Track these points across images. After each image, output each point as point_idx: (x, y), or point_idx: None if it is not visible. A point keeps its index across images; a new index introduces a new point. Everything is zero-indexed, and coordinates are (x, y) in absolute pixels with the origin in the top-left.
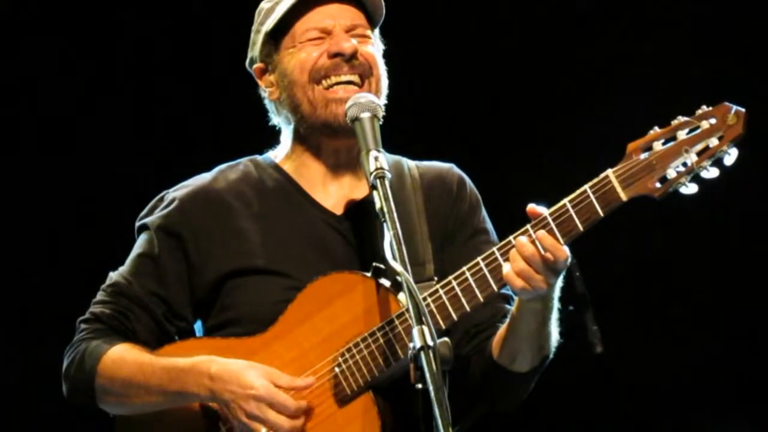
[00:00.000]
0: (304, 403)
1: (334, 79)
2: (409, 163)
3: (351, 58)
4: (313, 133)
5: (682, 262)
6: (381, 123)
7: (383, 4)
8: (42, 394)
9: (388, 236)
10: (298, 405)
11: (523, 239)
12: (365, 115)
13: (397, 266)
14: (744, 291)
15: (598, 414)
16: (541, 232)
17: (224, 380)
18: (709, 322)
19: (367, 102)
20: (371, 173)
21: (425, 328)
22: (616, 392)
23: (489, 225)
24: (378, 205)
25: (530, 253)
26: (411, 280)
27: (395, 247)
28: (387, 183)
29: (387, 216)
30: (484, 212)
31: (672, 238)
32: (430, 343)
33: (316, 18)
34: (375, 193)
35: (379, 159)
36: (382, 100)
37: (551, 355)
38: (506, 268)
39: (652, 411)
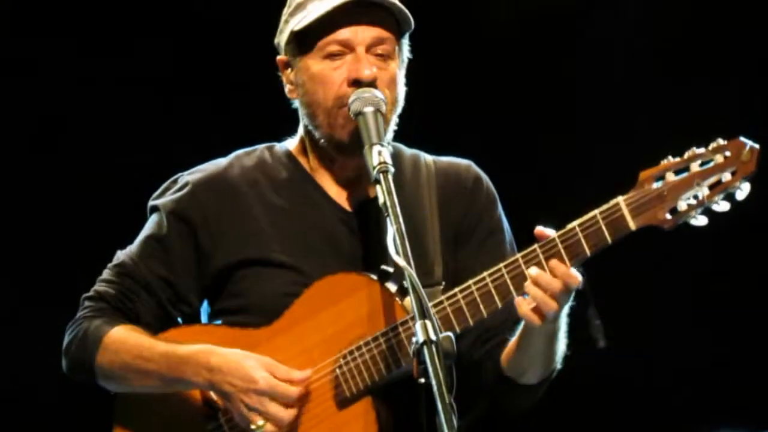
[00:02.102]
0: (303, 391)
1: None
2: (427, 158)
3: (368, 86)
4: (328, 147)
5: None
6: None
7: (410, 17)
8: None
9: (391, 231)
10: (298, 394)
11: (535, 271)
12: (368, 110)
13: (400, 261)
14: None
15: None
16: (554, 262)
17: (224, 372)
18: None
19: (370, 96)
20: (374, 167)
21: (428, 323)
22: (615, 391)
23: (505, 224)
24: (381, 200)
25: (546, 281)
26: (414, 274)
27: (398, 241)
28: (390, 177)
29: (390, 210)
30: (500, 211)
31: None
32: (433, 337)
33: (341, 30)
34: (378, 187)
35: (382, 153)
36: (393, 121)
37: (559, 367)
38: (524, 307)
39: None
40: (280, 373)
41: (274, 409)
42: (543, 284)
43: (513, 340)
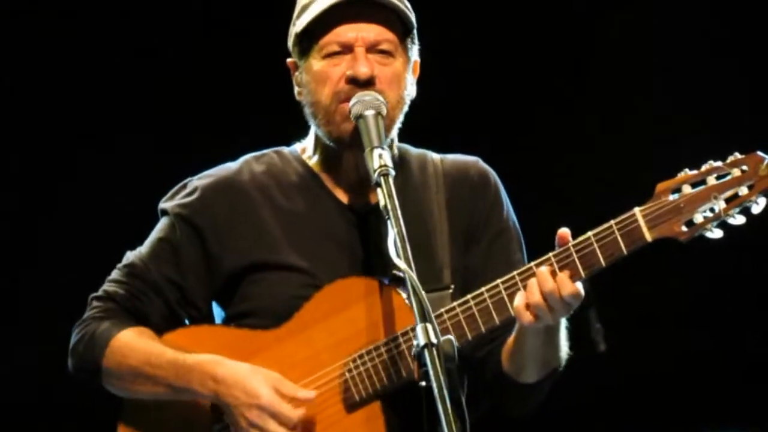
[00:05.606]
0: (304, 413)
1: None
2: (434, 158)
3: (366, 84)
4: (330, 143)
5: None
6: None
7: (410, 15)
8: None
9: (392, 234)
10: (300, 415)
11: (544, 270)
12: (369, 113)
13: (401, 263)
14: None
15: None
16: (565, 273)
17: (228, 384)
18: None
19: (372, 99)
20: (375, 170)
21: (429, 326)
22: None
23: (513, 222)
24: (382, 203)
25: (550, 288)
26: (414, 277)
27: (399, 244)
28: (391, 180)
29: (391, 213)
30: (508, 208)
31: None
32: (434, 340)
33: (339, 29)
34: (379, 190)
35: (383, 156)
36: (398, 121)
37: (561, 367)
38: (518, 300)
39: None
40: (286, 390)
41: (274, 428)
42: (545, 290)
43: (511, 337)
